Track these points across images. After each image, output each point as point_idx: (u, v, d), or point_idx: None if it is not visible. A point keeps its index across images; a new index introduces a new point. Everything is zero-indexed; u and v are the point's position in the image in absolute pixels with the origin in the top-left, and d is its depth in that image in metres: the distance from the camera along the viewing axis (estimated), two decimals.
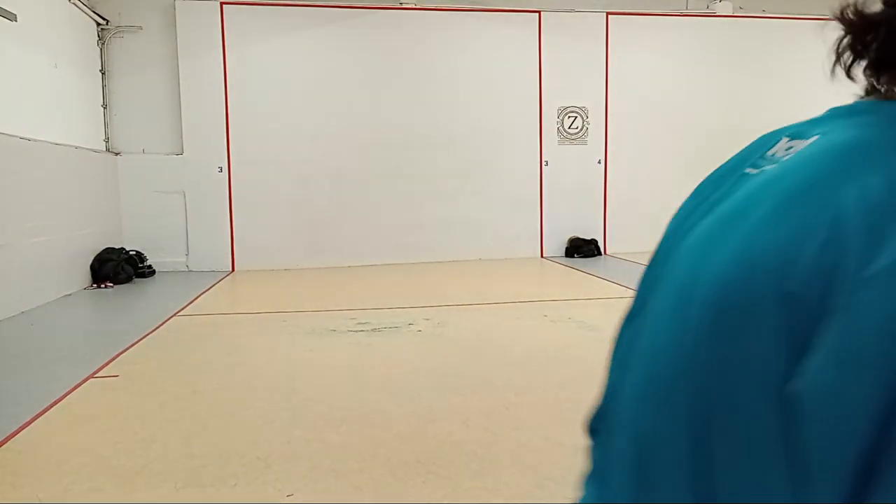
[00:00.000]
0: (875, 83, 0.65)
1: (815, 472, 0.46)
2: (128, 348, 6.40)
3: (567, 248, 13.44)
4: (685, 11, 13.72)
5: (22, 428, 4.31)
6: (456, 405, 4.65)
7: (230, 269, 12.26)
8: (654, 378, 0.62)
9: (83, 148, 10.60)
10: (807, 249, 0.49)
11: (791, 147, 0.65)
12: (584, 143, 13.54)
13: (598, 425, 0.80)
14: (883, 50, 0.63)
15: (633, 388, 0.67)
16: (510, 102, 13.14)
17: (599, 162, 13.63)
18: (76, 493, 3.40)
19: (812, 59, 14.31)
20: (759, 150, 0.70)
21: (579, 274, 11.27)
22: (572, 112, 13.44)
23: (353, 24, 12.47)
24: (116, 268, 10.65)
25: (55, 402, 4.81)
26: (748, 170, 0.68)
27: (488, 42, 12.96)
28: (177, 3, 11.85)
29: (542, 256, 13.48)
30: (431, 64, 12.85)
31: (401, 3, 12.49)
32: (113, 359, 6.02)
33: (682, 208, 0.76)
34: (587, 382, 5.10)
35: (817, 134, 0.64)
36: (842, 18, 0.67)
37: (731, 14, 13.69)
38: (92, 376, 5.48)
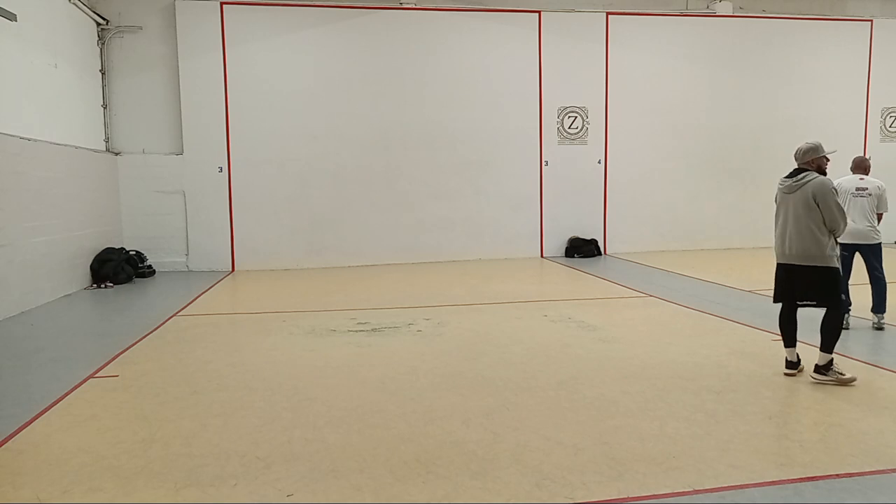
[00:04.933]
0: None
1: None
2: (128, 348, 6.41)
3: (567, 248, 13.44)
4: (685, 11, 13.72)
5: (22, 428, 4.32)
6: (456, 405, 4.65)
7: (230, 269, 12.26)
8: None
9: (83, 148, 10.61)
10: None
11: None
12: (584, 143, 13.54)
13: None
14: None
15: None
16: (510, 102, 13.14)
17: (599, 162, 13.63)
18: (76, 493, 3.41)
19: (811, 58, 14.34)
20: None
21: (579, 274, 11.27)
22: (572, 112, 13.44)
23: (353, 24, 12.47)
24: (116, 268, 10.66)
25: (55, 402, 4.82)
26: None
27: (488, 42, 12.96)
28: (177, 3, 11.85)
29: (542, 256, 13.48)
30: (431, 64, 12.85)
31: (401, 3, 12.49)
32: (113, 359, 6.03)
33: None
34: (587, 382, 5.11)
35: None
36: None
37: (731, 14, 13.69)
38: (92, 376, 5.48)
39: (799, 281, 5.12)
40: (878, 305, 6.71)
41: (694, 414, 4.39)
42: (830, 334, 5.03)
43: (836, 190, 5.05)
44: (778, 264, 5.32)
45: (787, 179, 5.22)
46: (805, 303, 5.14)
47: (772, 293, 5.41)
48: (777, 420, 4.29)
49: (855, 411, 4.46)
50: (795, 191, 5.08)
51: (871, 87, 14.51)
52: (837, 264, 5.08)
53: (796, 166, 5.22)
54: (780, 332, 5.35)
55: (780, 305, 5.34)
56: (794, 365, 5.20)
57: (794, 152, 5.23)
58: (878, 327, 6.67)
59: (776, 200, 5.35)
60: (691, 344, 6.29)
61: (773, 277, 5.37)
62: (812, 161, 5.13)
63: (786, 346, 5.28)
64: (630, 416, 4.38)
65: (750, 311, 7.60)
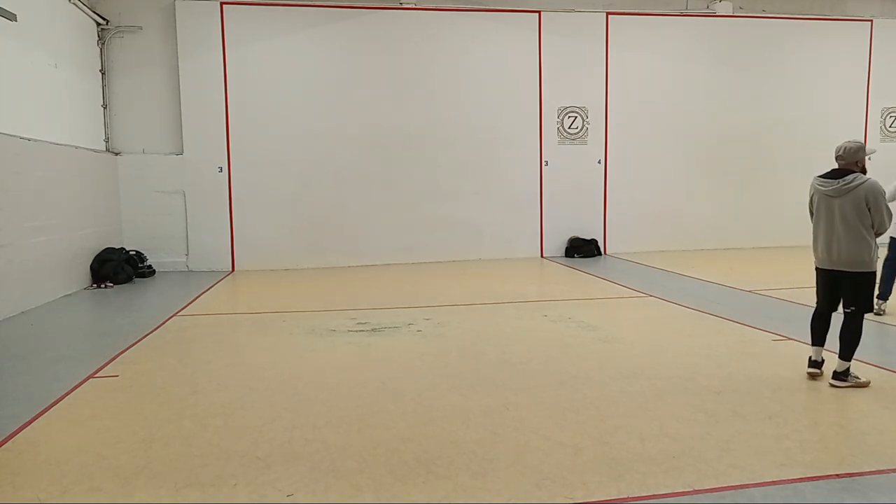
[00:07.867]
0: None
1: None
2: (128, 348, 6.41)
3: (567, 248, 13.44)
4: (685, 11, 13.72)
5: (22, 428, 4.32)
6: (456, 405, 4.65)
7: (230, 269, 12.26)
8: None
9: (83, 148, 10.60)
10: None
11: None
12: (584, 143, 13.55)
13: None
14: None
15: None
16: (510, 102, 13.14)
17: (599, 162, 13.63)
18: (76, 493, 3.41)
19: (811, 58, 14.33)
20: None
21: (579, 274, 11.27)
22: (572, 112, 13.44)
23: (353, 24, 12.47)
24: (116, 268, 10.65)
25: (55, 402, 4.82)
26: None
27: (488, 42, 12.96)
28: (177, 3, 11.85)
29: (542, 256, 13.48)
30: (431, 64, 12.85)
31: (401, 3, 12.49)
32: (113, 359, 6.03)
33: None
34: (587, 382, 5.11)
35: None
36: None
37: (731, 14, 13.69)
38: (92, 376, 5.48)
39: (845, 287, 4.99)
40: (884, 293, 7.35)
41: (694, 414, 4.39)
42: (851, 342, 4.95)
43: (884, 192, 4.90)
44: (819, 269, 5.16)
45: (829, 181, 4.97)
46: (850, 308, 4.99)
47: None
48: (777, 420, 4.29)
49: (855, 411, 4.46)
50: (844, 194, 4.86)
51: (871, 87, 14.51)
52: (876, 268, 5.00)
53: (836, 166, 4.99)
54: (810, 330, 5.24)
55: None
56: (818, 364, 5.12)
57: (835, 151, 5.00)
58: (878, 313, 7.28)
59: (811, 202, 5.16)
60: (691, 344, 6.29)
61: (815, 282, 5.23)
62: (859, 161, 4.95)
63: (813, 343, 5.17)
64: (630, 416, 4.38)
65: (750, 311, 7.58)
